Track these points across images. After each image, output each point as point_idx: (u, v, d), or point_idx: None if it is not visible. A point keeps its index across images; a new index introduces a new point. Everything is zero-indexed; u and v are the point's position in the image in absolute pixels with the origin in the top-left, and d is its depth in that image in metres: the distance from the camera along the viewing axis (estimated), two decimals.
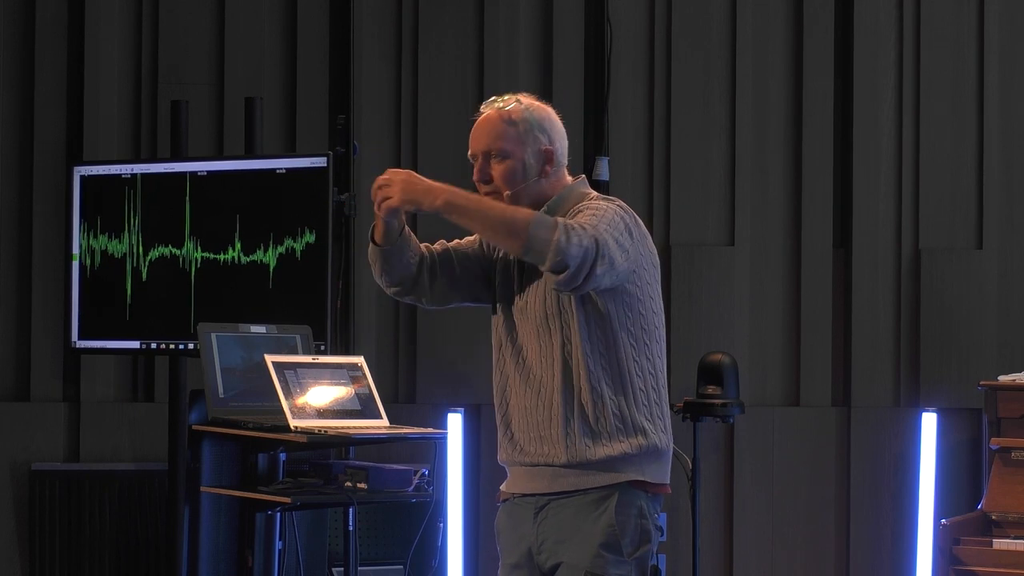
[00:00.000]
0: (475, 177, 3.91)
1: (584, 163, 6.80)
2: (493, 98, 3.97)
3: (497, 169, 3.88)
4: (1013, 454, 6.14)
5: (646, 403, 3.83)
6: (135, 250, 6.33)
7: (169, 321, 6.24)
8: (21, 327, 6.92)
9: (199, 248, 6.25)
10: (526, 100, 3.96)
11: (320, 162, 6.03)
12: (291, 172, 6.10)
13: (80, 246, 6.39)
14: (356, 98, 6.72)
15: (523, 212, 3.74)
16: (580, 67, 6.97)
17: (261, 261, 6.11)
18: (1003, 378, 6.29)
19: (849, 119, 7.04)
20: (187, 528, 5.98)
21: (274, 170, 6.13)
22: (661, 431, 3.86)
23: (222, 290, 6.17)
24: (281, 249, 6.08)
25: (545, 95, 6.95)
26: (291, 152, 6.80)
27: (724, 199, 7.02)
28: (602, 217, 3.77)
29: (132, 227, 6.33)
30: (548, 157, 3.91)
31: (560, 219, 3.71)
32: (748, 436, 6.92)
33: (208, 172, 6.26)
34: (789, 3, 7.08)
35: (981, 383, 6.34)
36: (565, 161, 3.97)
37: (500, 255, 3.99)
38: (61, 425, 6.87)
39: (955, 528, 6.04)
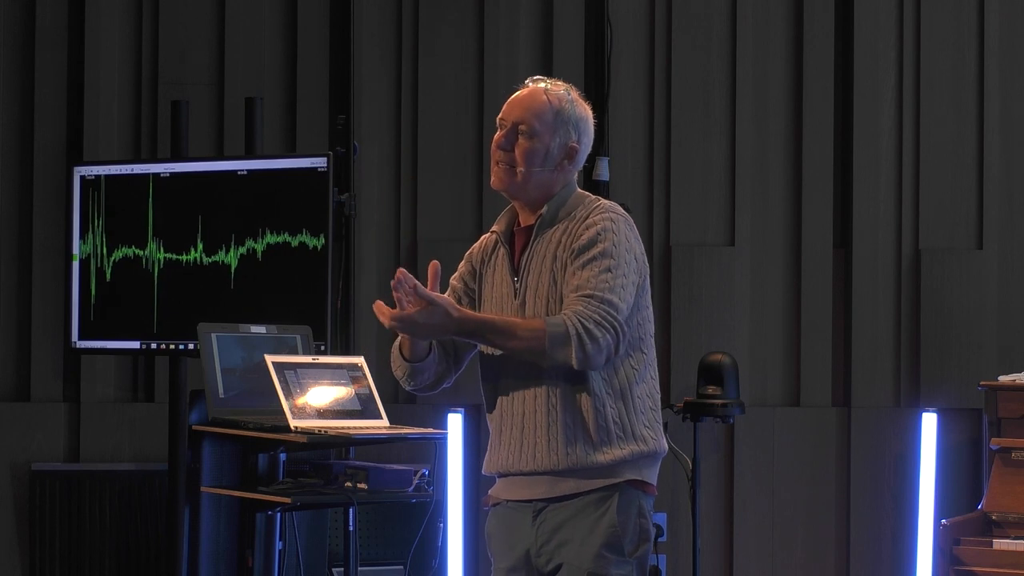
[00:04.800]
0: (496, 141, 3.89)
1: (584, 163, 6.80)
2: (540, 77, 3.97)
3: (522, 145, 3.86)
4: (1013, 454, 6.13)
5: (643, 410, 3.83)
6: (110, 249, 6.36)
7: (176, 321, 6.26)
8: (21, 327, 6.93)
9: (161, 249, 6.27)
10: (574, 93, 3.96)
11: (320, 162, 6.03)
12: (290, 172, 6.10)
13: (91, 246, 6.40)
14: (356, 98, 6.72)
15: (534, 335, 3.70)
16: (580, 67, 6.97)
17: (259, 261, 6.11)
18: (1003, 378, 6.29)
19: (849, 119, 7.04)
20: (187, 528, 5.97)
21: (240, 172, 6.14)
22: (660, 436, 3.87)
23: (219, 290, 6.17)
24: (281, 248, 6.08)
25: None
26: (291, 152, 6.81)
27: (724, 199, 7.02)
28: (616, 269, 3.75)
29: (97, 227, 6.35)
30: (571, 153, 3.91)
31: (571, 326, 3.67)
32: (748, 436, 6.92)
33: (171, 173, 6.27)
34: (789, 3, 7.08)
35: (981, 383, 6.34)
36: (582, 164, 3.97)
37: (489, 264, 3.96)
38: (61, 425, 6.88)
39: (955, 528, 6.04)
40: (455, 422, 6.32)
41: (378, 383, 5.08)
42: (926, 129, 7.03)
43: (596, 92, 6.92)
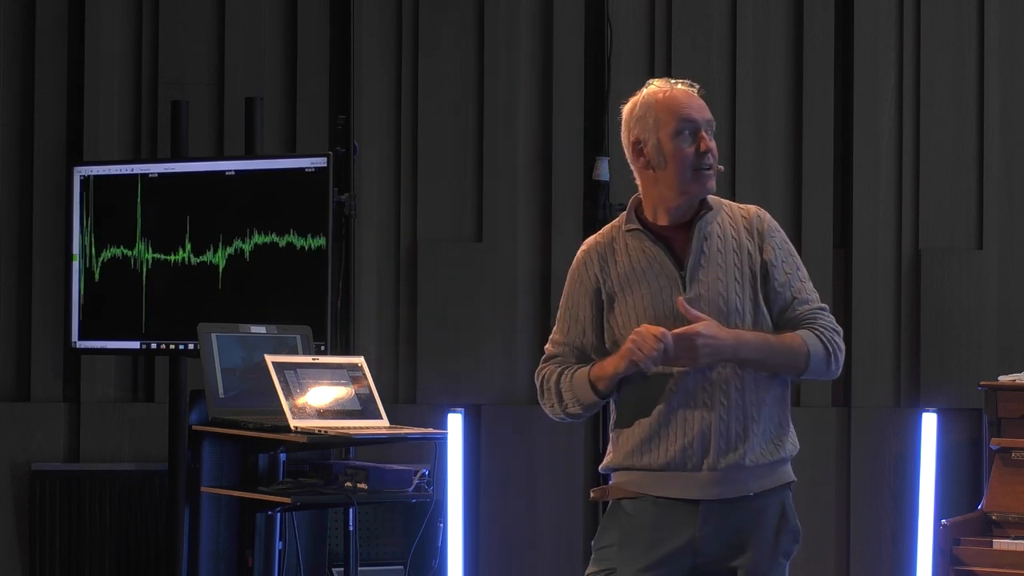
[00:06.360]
0: (709, 146, 3.86)
1: (584, 163, 6.80)
2: (674, 80, 4.07)
3: (714, 145, 3.89)
4: (1013, 454, 6.13)
5: (789, 410, 3.92)
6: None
7: (165, 322, 6.27)
8: (21, 327, 6.92)
9: (149, 249, 6.28)
10: None
11: (320, 162, 6.03)
12: (290, 172, 6.10)
13: (79, 246, 6.40)
14: (356, 98, 6.72)
15: (798, 353, 3.83)
16: (580, 67, 6.97)
17: (259, 261, 6.12)
18: (1003, 378, 6.29)
19: (849, 119, 7.03)
20: (187, 528, 5.97)
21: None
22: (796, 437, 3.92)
23: (209, 291, 6.17)
24: (270, 248, 6.08)
25: (545, 95, 7.03)
26: (291, 152, 6.81)
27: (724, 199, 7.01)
28: (807, 277, 3.90)
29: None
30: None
31: (828, 343, 3.86)
32: None
33: (159, 174, 6.28)
34: (789, 3, 7.08)
35: (981, 383, 6.34)
36: None
37: (617, 263, 3.86)
38: (61, 425, 6.87)
39: (955, 528, 6.04)
40: (455, 422, 6.31)
41: (378, 383, 5.08)
42: (926, 129, 7.03)
43: (596, 92, 6.92)
